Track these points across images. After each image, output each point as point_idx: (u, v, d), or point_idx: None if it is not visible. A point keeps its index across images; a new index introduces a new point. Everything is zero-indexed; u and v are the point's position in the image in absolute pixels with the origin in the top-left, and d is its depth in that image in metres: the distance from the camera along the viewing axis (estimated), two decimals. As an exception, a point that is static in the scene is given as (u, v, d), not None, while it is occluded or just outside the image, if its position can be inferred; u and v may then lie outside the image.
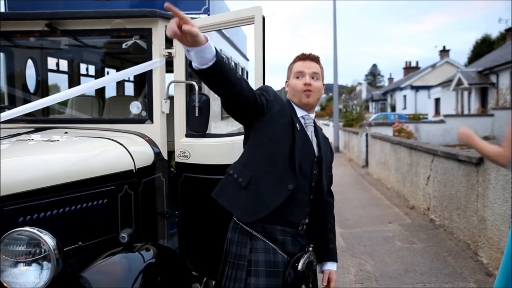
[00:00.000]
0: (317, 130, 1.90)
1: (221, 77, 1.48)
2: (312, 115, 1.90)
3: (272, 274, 1.70)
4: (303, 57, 1.88)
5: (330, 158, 1.97)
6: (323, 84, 1.92)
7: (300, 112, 1.86)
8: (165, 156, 2.62)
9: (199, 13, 3.00)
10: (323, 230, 1.94)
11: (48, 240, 1.59)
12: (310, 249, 1.82)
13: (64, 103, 3.47)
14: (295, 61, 1.90)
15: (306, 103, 1.84)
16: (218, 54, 1.43)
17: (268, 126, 1.73)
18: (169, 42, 2.59)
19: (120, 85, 5.03)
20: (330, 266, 1.93)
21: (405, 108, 32.42)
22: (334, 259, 1.95)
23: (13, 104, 3.10)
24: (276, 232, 1.74)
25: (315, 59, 1.88)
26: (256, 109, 1.68)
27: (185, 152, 2.51)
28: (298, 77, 1.84)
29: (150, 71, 2.56)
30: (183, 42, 1.39)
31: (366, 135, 11.77)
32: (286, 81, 1.93)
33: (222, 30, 3.43)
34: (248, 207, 1.70)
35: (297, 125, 1.77)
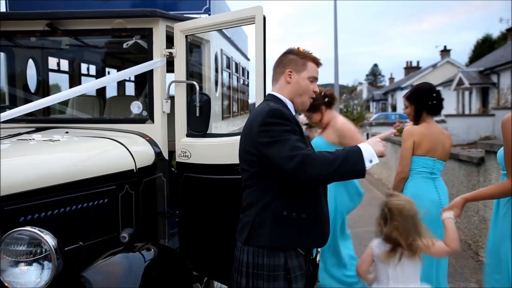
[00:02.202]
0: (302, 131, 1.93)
1: None
2: (297, 116, 1.92)
3: (304, 275, 1.73)
4: (318, 62, 1.83)
5: None
6: None
7: (292, 110, 1.82)
8: (166, 156, 2.62)
9: (199, 13, 3.00)
10: None
11: (49, 240, 1.59)
12: None
13: (65, 103, 3.47)
14: (307, 58, 1.80)
15: (304, 108, 1.86)
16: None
17: None
18: (169, 42, 2.59)
19: (121, 85, 5.03)
20: None
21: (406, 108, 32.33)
22: None
23: (14, 104, 3.10)
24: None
25: (321, 65, 1.86)
26: None
27: (185, 152, 2.50)
28: (311, 81, 1.80)
29: (151, 71, 2.56)
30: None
31: (367, 135, 11.76)
32: (290, 71, 1.78)
33: (223, 30, 3.43)
34: (318, 231, 1.73)
35: (303, 131, 1.78)
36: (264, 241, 1.66)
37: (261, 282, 1.66)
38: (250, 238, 1.68)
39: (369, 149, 1.57)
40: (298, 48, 1.83)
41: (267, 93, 1.91)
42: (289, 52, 1.83)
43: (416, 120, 2.85)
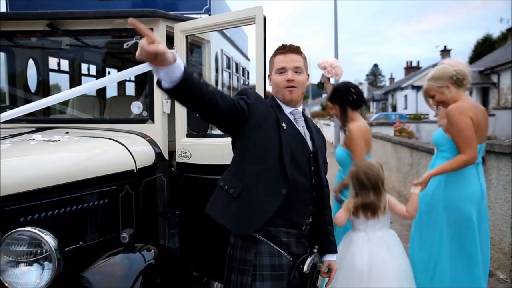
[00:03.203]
0: (308, 122, 1.84)
1: (190, 94, 1.44)
2: (300, 108, 1.83)
3: (277, 277, 1.67)
4: (283, 50, 1.78)
5: (324, 148, 1.91)
6: (308, 75, 1.84)
7: (287, 108, 1.79)
8: (166, 156, 2.62)
9: (200, 13, 3.00)
10: (322, 222, 1.87)
11: (49, 240, 1.60)
12: (315, 250, 1.79)
13: (65, 103, 3.47)
14: (275, 54, 1.80)
15: (290, 99, 1.77)
16: (186, 71, 1.39)
17: (253, 131, 1.67)
18: (170, 42, 2.59)
19: (121, 85, 5.03)
20: (331, 257, 1.90)
21: (406, 108, 32.37)
22: (334, 251, 1.92)
23: (14, 104, 3.11)
24: (280, 234, 1.70)
25: (295, 50, 1.78)
26: (237, 117, 1.63)
27: (186, 152, 2.51)
28: (280, 73, 1.76)
29: (151, 71, 2.55)
30: (151, 62, 1.35)
31: (367, 135, 11.74)
32: (269, 76, 1.85)
33: (223, 30, 3.43)
34: (241, 218, 1.65)
35: (283, 124, 1.71)
36: (211, 213, 1.74)
37: (233, 275, 1.71)
38: (209, 209, 1.76)
39: None
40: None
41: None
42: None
43: (344, 118, 2.88)
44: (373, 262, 2.29)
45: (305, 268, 1.71)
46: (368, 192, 2.36)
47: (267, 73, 1.90)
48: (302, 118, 1.81)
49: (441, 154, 2.63)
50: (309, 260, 1.73)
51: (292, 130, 1.75)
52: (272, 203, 1.65)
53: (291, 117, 1.78)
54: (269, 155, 1.66)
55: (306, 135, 1.79)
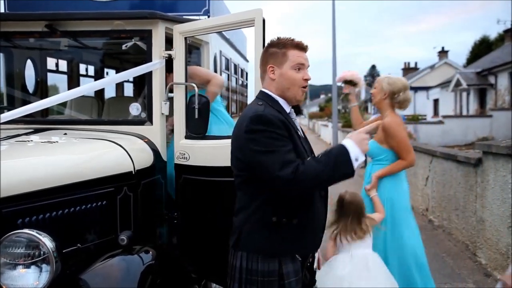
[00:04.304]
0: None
1: None
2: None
3: (300, 281, 1.64)
4: (302, 47, 1.67)
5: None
6: None
7: (286, 107, 1.69)
8: (165, 157, 2.61)
9: (199, 15, 3.00)
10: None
11: (47, 242, 1.59)
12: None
13: (63, 104, 3.45)
14: (287, 47, 1.66)
15: (300, 100, 1.69)
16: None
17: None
18: (168, 44, 2.59)
19: (120, 86, 5.02)
20: None
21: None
22: None
23: (12, 105, 3.10)
24: None
25: (308, 49, 1.71)
26: None
27: (184, 154, 2.50)
28: (298, 69, 1.65)
29: (150, 73, 2.56)
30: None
31: (365, 135, 11.74)
32: (272, 67, 1.67)
33: (222, 32, 3.43)
34: (303, 238, 1.64)
35: (298, 131, 1.68)
36: (253, 247, 1.61)
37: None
38: (239, 242, 1.64)
39: (355, 148, 1.51)
40: (278, 38, 1.69)
41: (260, 90, 1.76)
42: (269, 45, 1.71)
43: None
44: (353, 278, 2.41)
45: (315, 265, 1.72)
46: (349, 218, 2.52)
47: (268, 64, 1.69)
48: (296, 118, 1.74)
49: (377, 163, 2.94)
50: (316, 257, 1.74)
51: (301, 133, 1.71)
52: (320, 210, 1.70)
53: (292, 116, 1.72)
54: None
55: (302, 134, 1.74)
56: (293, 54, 1.65)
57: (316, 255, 1.76)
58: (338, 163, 1.50)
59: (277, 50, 1.66)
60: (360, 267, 2.44)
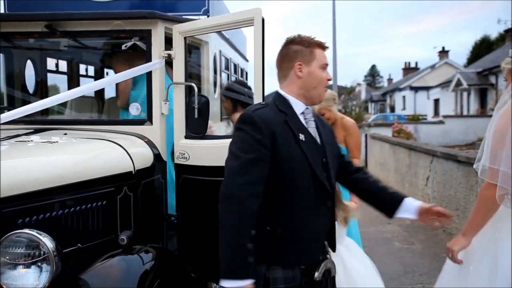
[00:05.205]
0: (316, 120, 1.68)
1: None
2: (310, 107, 1.68)
3: None
4: (325, 47, 1.66)
5: (335, 145, 1.78)
6: None
7: (300, 107, 1.63)
8: (164, 157, 2.61)
9: (198, 14, 3.00)
10: (377, 188, 1.80)
11: (47, 242, 1.60)
12: (328, 256, 1.70)
13: (63, 104, 3.46)
14: (313, 46, 1.63)
15: (322, 100, 1.69)
16: None
17: (279, 164, 1.52)
18: (168, 43, 2.59)
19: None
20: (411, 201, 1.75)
21: (404, 108, 32.44)
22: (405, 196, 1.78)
23: (12, 105, 3.10)
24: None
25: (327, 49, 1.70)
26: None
27: (184, 154, 2.50)
28: (323, 69, 1.63)
29: (150, 73, 2.56)
30: None
31: (366, 135, 11.77)
32: (300, 64, 1.61)
33: (222, 31, 3.43)
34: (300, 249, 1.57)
35: (300, 135, 1.57)
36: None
37: None
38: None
39: (235, 282, 1.45)
40: (299, 36, 1.65)
41: (275, 91, 1.71)
42: (291, 42, 1.65)
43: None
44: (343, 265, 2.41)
45: (316, 275, 1.60)
46: None
47: (296, 61, 1.63)
48: (313, 119, 1.66)
49: None
50: (321, 266, 1.63)
51: (307, 137, 1.60)
52: (325, 219, 1.65)
53: (301, 117, 1.63)
54: (302, 175, 1.55)
55: (316, 137, 1.64)
56: (319, 53, 1.63)
57: (321, 266, 1.63)
58: (234, 256, 1.50)
59: (303, 48, 1.62)
60: (344, 253, 2.46)
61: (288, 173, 1.54)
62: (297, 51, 1.63)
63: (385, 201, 1.78)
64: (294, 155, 1.54)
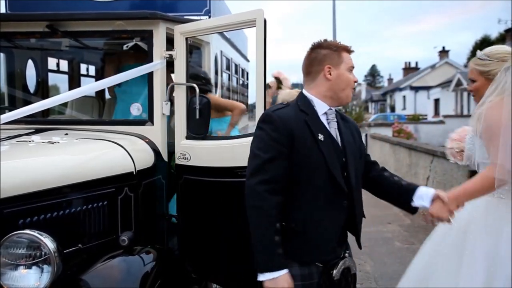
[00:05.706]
0: (339, 121, 1.73)
1: None
2: (333, 108, 1.73)
3: (310, 286, 1.60)
4: (351, 50, 1.72)
5: (358, 142, 1.80)
6: None
7: (323, 108, 1.68)
8: (166, 158, 2.61)
9: (200, 15, 3.00)
10: (393, 182, 1.87)
11: (48, 243, 1.60)
12: (346, 254, 1.70)
13: (64, 104, 3.46)
14: (340, 49, 1.70)
15: (349, 101, 1.76)
16: None
17: (296, 162, 1.57)
18: (169, 44, 2.59)
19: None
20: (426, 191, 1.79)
21: (404, 108, 32.45)
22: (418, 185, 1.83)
23: (13, 105, 3.10)
24: None
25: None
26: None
27: (185, 154, 2.50)
28: (350, 71, 1.70)
29: (151, 73, 2.56)
30: None
31: (366, 135, 11.78)
32: (329, 67, 1.67)
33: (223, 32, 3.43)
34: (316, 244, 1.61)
35: (319, 135, 1.61)
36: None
37: None
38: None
39: (269, 274, 1.48)
40: (325, 40, 1.74)
41: (300, 91, 1.77)
42: (319, 46, 1.72)
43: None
44: None
45: (334, 274, 1.61)
46: None
47: (326, 64, 1.68)
48: (335, 119, 1.71)
49: None
50: (339, 264, 1.64)
51: (326, 138, 1.63)
52: (339, 218, 1.65)
53: (323, 118, 1.68)
54: (318, 175, 1.59)
55: (337, 137, 1.69)
56: (346, 56, 1.70)
57: (340, 264, 1.64)
58: (264, 249, 1.52)
59: (331, 52, 1.69)
60: None
61: (305, 171, 1.59)
62: (326, 54, 1.69)
63: (401, 194, 1.83)
64: (312, 155, 1.59)
